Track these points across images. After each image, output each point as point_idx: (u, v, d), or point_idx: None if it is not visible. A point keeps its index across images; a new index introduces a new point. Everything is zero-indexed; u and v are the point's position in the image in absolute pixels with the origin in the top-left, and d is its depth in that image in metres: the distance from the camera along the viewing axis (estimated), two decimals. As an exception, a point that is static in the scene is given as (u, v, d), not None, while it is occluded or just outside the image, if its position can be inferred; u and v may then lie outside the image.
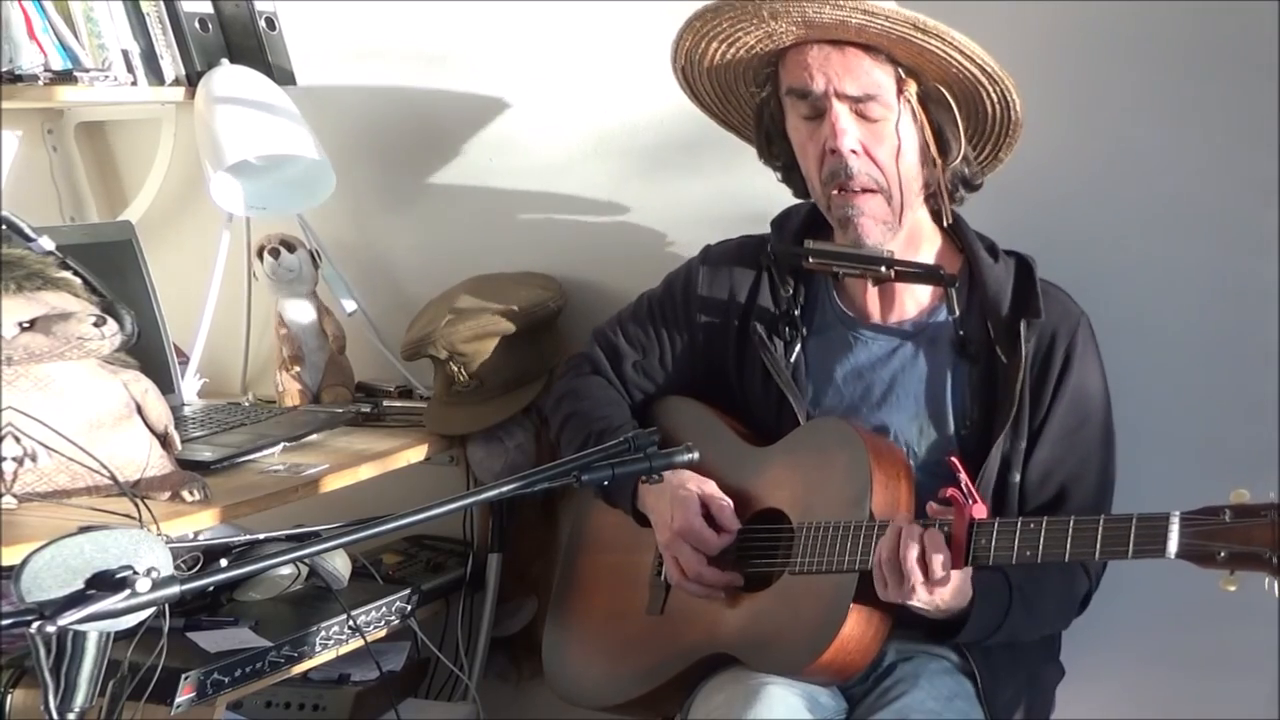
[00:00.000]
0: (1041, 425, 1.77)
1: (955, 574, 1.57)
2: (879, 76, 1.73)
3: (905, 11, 1.67)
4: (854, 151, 1.73)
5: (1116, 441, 1.84)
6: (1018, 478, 1.76)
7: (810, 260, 1.80)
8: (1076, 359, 1.79)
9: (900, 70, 1.74)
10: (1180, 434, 2.03)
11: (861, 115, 1.74)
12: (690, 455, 1.49)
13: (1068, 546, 1.51)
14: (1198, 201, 2.00)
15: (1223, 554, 1.40)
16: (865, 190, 1.75)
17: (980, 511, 1.57)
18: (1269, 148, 1.91)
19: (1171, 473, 1.93)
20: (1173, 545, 1.43)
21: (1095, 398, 1.81)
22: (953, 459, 1.59)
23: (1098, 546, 1.49)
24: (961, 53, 1.70)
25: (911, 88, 1.74)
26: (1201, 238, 2.01)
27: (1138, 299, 2.03)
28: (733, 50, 1.80)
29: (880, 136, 1.74)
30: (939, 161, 1.78)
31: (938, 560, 1.54)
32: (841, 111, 1.73)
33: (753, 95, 1.86)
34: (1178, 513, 1.44)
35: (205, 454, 2.06)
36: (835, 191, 1.77)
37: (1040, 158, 1.87)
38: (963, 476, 1.56)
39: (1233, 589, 1.39)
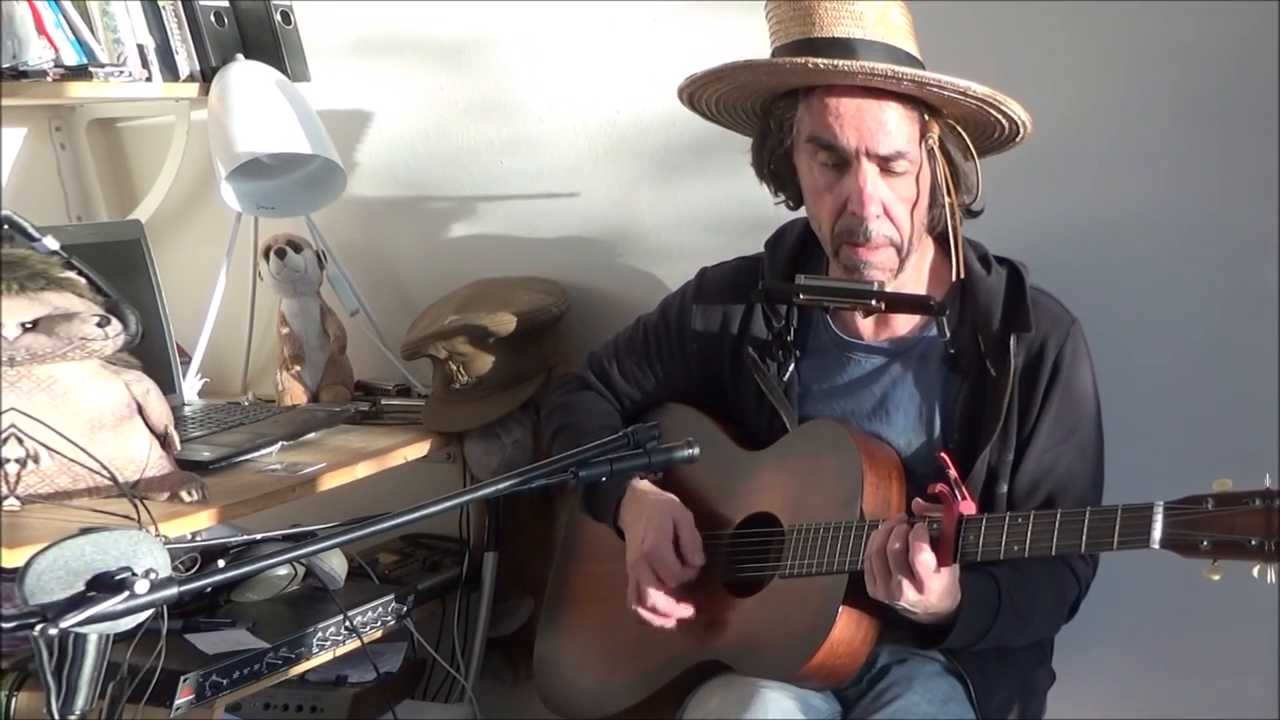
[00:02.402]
0: (1029, 437, 1.76)
1: (944, 573, 1.56)
2: (907, 129, 1.69)
3: (958, 81, 1.64)
4: (876, 215, 1.71)
5: (1114, 440, 1.83)
6: (1005, 489, 1.75)
7: (801, 296, 1.77)
8: (1065, 369, 1.77)
9: (924, 115, 1.70)
10: (1178, 433, 2.03)
11: (885, 170, 1.70)
12: (690, 451, 1.48)
13: (1054, 539, 1.51)
14: (1197, 201, 2.00)
15: (1205, 543, 1.40)
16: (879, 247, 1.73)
17: (969, 508, 1.56)
18: (1269, 147, 1.91)
19: (1168, 471, 1.92)
20: (1157, 534, 1.43)
21: (1084, 407, 1.79)
22: (943, 454, 1.59)
23: (1083, 539, 1.49)
24: (998, 109, 1.68)
25: (934, 133, 1.71)
26: (1201, 237, 2.00)
27: (1136, 298, 2.03)
28: (757, 81, 1.75)
29: (901, 193, 1.71)
30: (951, 201, 1.74)
31: (924, 555, 1.54)
32: (870, 173, 1.69)
33: (752, 111, 1.82)
34: (1161, 502, 1.44)
35: (204, 454, 2.07)
36: (845, 244, 1.74)
37: (1038, 156, 1.86)
38: (952, 472, 1.56)
39: (1216, 578, 1.39)
